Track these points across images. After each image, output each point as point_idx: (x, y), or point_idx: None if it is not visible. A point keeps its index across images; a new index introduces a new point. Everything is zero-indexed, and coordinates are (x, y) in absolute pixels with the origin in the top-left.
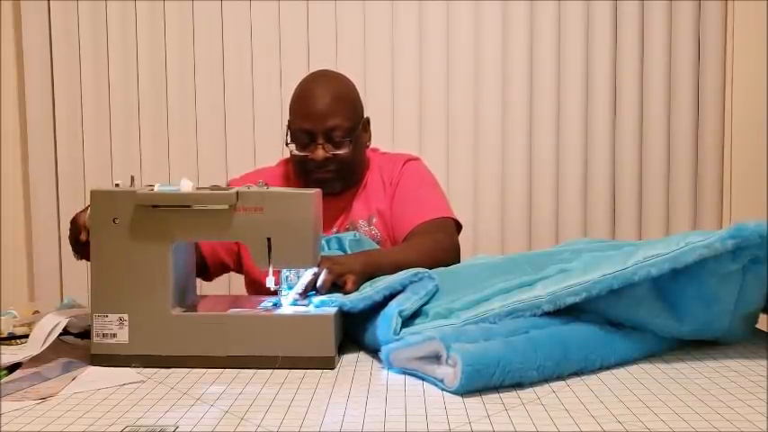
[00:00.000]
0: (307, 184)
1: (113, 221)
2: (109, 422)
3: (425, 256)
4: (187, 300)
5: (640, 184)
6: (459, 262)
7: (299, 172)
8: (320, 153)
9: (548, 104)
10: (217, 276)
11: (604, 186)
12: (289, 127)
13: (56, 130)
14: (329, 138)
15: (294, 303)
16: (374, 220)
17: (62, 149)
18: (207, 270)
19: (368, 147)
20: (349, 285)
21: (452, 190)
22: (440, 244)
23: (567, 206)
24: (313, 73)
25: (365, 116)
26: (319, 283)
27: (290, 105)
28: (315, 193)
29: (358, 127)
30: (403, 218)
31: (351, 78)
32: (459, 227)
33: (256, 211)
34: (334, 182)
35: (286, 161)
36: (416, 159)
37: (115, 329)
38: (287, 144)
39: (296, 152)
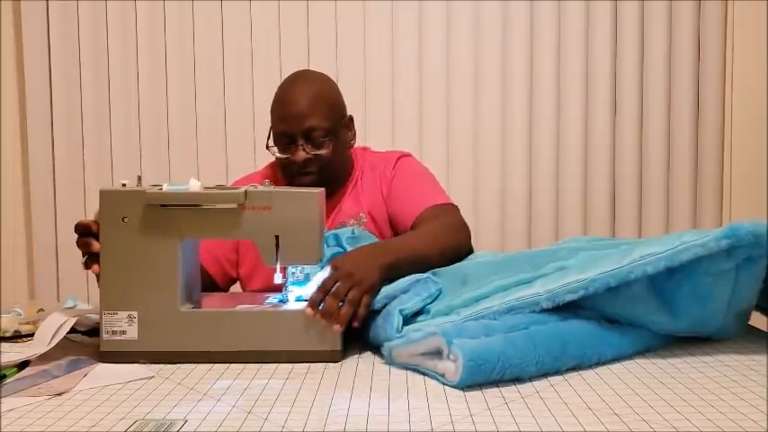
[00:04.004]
0: (292, 186)
1: (122, 220)
2: (119, 417)
3: (439, 241)
4: (193, 297)
5: (640, 184)
6: (470, 241)
7: (284, 175)
8: (300, 155)
9: (548, 104)
10: (228, 288)
11: (604, 186)
12: (271, 130)
13: (55, 129)
14: (308, 138)
15: (300, 299)
16: (364, 219)
17: (62, 149)
18: (218, 289)
19: (352, 146)
20: (361, 311)
21: (452, 190)
22: (451, 226)
23: (567, 206)
24: (291, 75)
25: (347, 114)
26: (343, 311)
27: (271, 109)
28: (320, 192)
29: (338, 126)
30: (403, 212)
31: (352, 78)
32: None
33: (264, 210)
34: (317, 185)
35: (273, 164)
36: (408, 155)
37: (125, 326)
38: (267, 147)
39: (278, 155)
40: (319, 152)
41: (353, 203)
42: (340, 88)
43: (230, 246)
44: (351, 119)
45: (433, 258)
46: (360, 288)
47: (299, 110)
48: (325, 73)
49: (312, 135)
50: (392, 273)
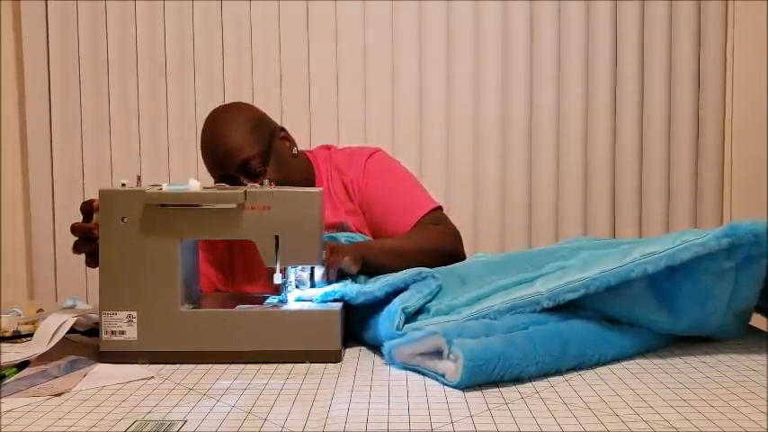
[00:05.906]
0: None
1: (122, 220)
2: (118, 417)
3: (419, 243)
4: (193, 297)
5: (640, 183)
6: (462, 246)
7: None
8: None
9: (548, 104)
10: None
11: (604, 186)
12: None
13: (55, 129)
14: (247, 172)
15: (299, 299)
16: (350, 227)
17: (61, 149)
18: None
19: (296, 155)
20: (328, 256)
21: (452, 190)
22: (442, 233)
23: (566, 206)
24: (206, 120)
25: (278, 127)
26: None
27: (204, 161)
28: (320, 191)
29: (271, 144)
30: (389, 223)
31: (352, 78)
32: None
33: (264, 210)
34: None
35: None
36: (376, 152)
37: (124, 327)
38: None
39: None
40: (265, 179)
41: (332, 212)
42: (338, 89)
43: (217, 267)
44: (282, 129)
45: (421, 262)
46: (338, 249)
47: (226, 150)
48: (240, 101)
49: (249, 167)
50: (364, 254)
